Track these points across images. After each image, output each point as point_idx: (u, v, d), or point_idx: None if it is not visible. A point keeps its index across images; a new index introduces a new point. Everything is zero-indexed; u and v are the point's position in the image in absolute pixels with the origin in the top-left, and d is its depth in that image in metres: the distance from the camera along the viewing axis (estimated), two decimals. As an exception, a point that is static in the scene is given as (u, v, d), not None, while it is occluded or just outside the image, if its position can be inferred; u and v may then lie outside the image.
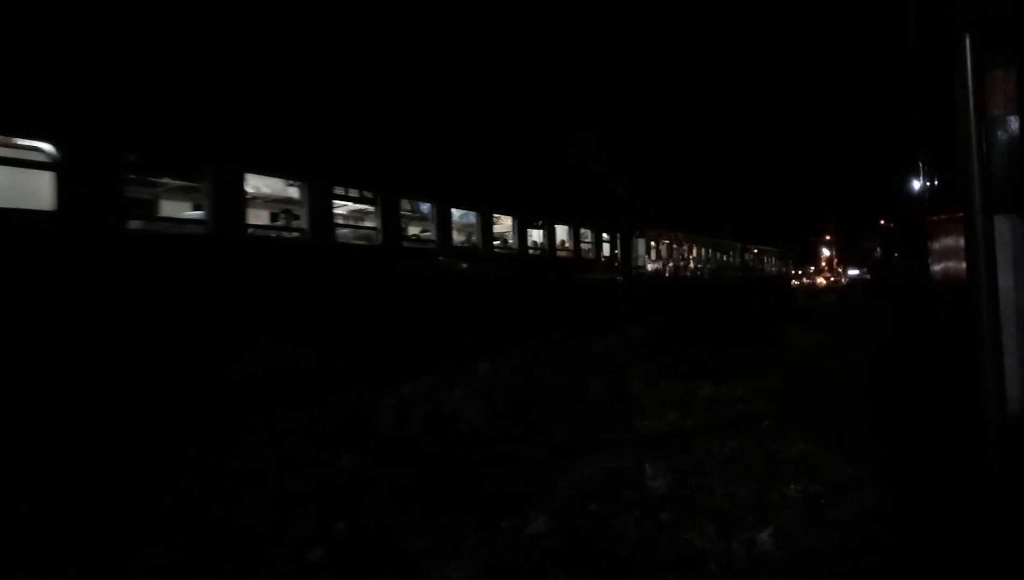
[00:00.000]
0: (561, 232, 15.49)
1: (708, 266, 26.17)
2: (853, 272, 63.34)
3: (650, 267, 20.38)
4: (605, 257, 17.22)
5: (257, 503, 4.05)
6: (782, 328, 13.30)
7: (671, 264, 22.20)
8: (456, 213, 11.87)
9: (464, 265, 11.72)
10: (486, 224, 12.37)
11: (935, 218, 4.94)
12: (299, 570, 3.28)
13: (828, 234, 73.06)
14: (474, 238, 12.59)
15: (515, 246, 13.37)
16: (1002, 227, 2.51)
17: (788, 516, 3.59)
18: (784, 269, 43.94)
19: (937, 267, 5.04)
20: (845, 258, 69.30)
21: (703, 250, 25.79)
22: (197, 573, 3.29)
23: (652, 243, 20.80)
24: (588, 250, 16.37)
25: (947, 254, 4.08)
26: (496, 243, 12.99)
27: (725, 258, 28.97)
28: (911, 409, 5.46)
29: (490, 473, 4.58)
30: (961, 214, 2.52)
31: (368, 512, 3.91)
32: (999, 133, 2.59)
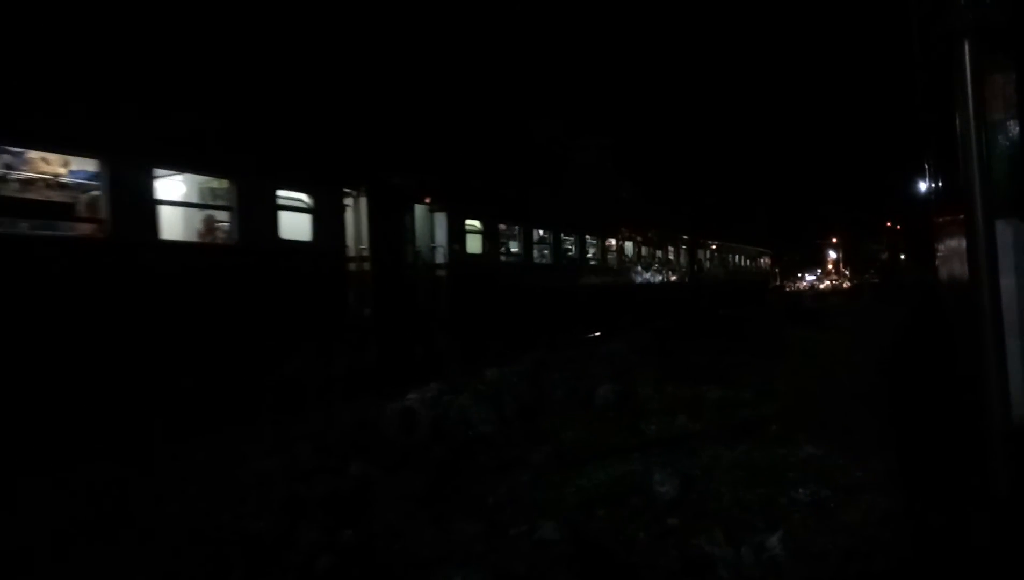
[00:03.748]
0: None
1: (616, 266, 17.36)
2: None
3: (469, 264, 11.35)
4: (304, 242, 8.38)
5: (265, 511, 4.06)
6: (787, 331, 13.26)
7: (526, 259, 13.34)
8: None
9: None
10: None
11: (940, 220, 4.93)
12: (307, 578, 3.29)
13: (834, 237, 72.95)
14: None
15: None
16: (1004, 231, 2.52)
17: (797, 520, 3.59)
18: (765, 271, 36.01)
19: (943, 270, 5.04)
20: (851, 261, 69.28)
21: (604, 242, 16.81)
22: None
23: (476, 224, 11.77)
24: (220, 224, 7.68)
25: (952, 257, 4.08)
26: None
27: (660, 254, 20.01)
28: (919, 413, 5.44)
29: (498, 479, 4.59)
30: (964, 217, 2.53)
31: (376, 519, 3.92)
32: (999, 137, 2.61)
